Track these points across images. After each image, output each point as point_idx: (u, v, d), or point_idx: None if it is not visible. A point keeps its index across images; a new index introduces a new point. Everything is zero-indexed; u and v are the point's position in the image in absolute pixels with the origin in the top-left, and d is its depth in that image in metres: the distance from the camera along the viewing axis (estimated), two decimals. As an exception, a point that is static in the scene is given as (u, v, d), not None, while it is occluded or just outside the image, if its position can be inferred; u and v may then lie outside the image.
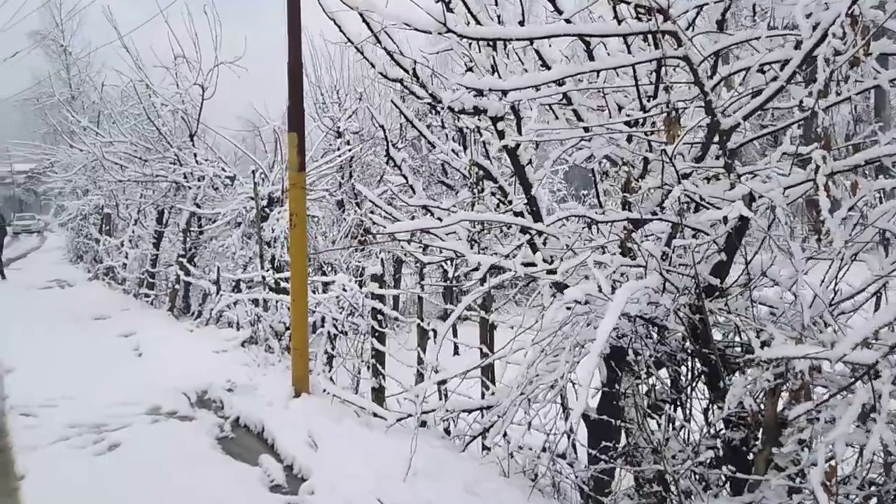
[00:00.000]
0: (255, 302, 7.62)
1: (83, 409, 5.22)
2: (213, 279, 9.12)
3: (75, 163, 16.14)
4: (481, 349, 4.56)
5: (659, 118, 3.66)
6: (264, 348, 7.38)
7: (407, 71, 4.27)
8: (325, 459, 4.05)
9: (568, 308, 3.89)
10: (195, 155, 10.89)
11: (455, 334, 7.13)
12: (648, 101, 3.65)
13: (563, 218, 3.31)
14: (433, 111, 5.06)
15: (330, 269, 11.74)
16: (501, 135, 4.56)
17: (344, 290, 6.77)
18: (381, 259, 6.02)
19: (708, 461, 3.04)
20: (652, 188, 3.03)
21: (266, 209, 10.13)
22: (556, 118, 4.15)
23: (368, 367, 6.07)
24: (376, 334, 6.02)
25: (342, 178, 13.06)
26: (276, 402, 5.22)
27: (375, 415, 4.81)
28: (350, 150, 12.26)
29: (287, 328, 7.50)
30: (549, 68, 3.63)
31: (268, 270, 8.48)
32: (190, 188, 10.48)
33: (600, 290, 2.77)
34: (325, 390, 5.18)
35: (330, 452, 4.14)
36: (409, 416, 4.54)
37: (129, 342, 7.89)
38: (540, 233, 4.43)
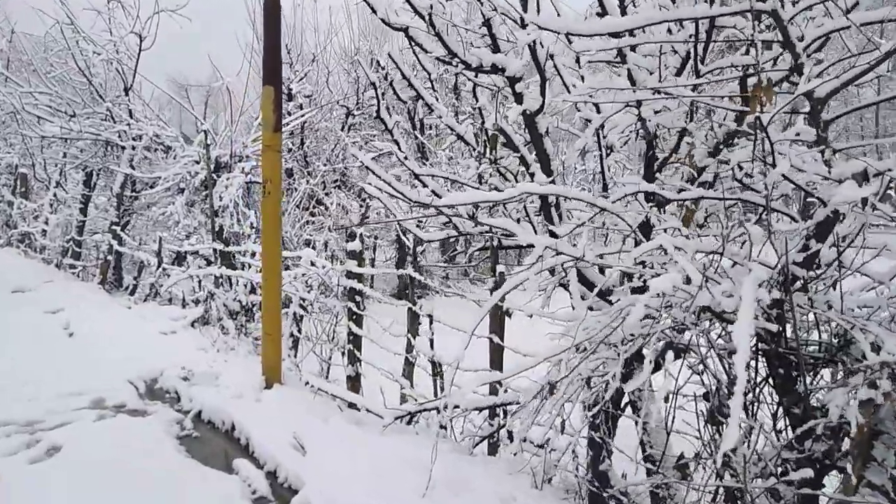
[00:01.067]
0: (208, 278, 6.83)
1: (10, 403, 4.41)
2: (155, 250, 8.20)
3: (-18, 116, 14.41)
4: (491, 339, 4.07)
5: (721, 84, 3.25)
6: (218, 329, 6.64)
7: (423, 16, 3.67)
8: (316, 466, 3.48)
9: (605, 300, 3.46)
10: (130, 111, 9.80)
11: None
12: (702, 63, 3.22)
13: (631, 195, 2.84)
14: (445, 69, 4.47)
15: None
16: (519, 98, 4.06)
17: (312, 265, 6.14)
18: (360, 234, 5.41)
19: (780, 474, 2.69)
20: (740, 162, 2.60)
21: (213, 175, 9.23)
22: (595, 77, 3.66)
23: (343, 353, 5.50)
24: (353, 317, 5.45)
25: (293, 145, 12.19)
26: (246, 394, 4.57)
27: (367, 411, 4.26)
28: (303, 115, 11.39)
29: (244, 307, 6.78)
30: (604, 15, 3.13)
31: (214, 242, 7.69)
32: (125, 148, 9.41)
33: (688, 282, 2.33)
34: (307, 383, 4.58)
35: (321, 457, 3.57)
36: (409, 414, 4.03)
37: (57, 319, 6.92)
38: (559, 212, 3.97)
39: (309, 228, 11.27)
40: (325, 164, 11.93)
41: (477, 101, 5.04)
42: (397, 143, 4.79)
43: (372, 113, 14.04)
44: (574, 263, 2.94)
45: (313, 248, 11.33)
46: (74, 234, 9.89)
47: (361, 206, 14.07)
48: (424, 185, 4.57)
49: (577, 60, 4.28)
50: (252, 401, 4.49)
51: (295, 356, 5.98)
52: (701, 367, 2.97)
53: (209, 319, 6.75)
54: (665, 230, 2.61)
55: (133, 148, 9.24)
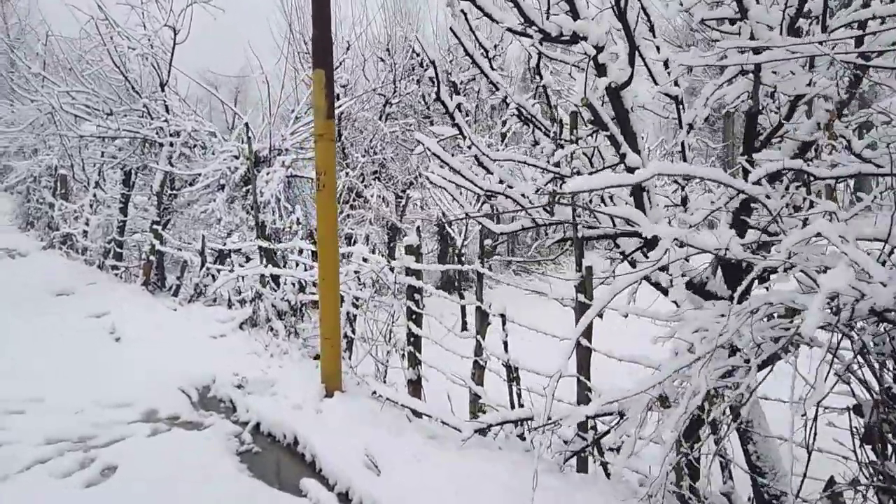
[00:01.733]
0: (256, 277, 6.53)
1: (60, 416, 4.16)
2: (198, 249, 7.97)
3: (21, 118, 14.42)
4: (579, 341, 3.66)
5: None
6: (266, 331, 6.36)
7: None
8: (393, 488, 3.13)
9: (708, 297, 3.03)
10: (166, 107, 9.57)
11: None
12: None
13: (778, 172, 2.39)
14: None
15: (308, 234, 10.60)
16: (602, 69, 3.61)
17: (364, 261, 5.80)
18: (418, 227, 5.03)
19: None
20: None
21: (251, 170, 8.96)
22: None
23: (403, 355, 5.15)
24: (413, 316, 5.08)
25: (330, 137, 11.87)
26: (306, 404, 4.24)
27: (443, 423, 3.89)
28: (340, 105, 11.04)
29: (292, 307, 6.48)
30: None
31: (257, 239, 7.41)
32: (163, 145, 9.19)
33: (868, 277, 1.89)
34: (373, 392, 4.23)
35: (398, 478, 3.22)
36: (489, 426, 3.65)
37: (102, 324, 6.73)
38: (649, 195, 3.53)
39: (350, 222, 10.96)
40: (363, 156, 11.59)
41: (541, 78, 4.61)
42: (459, 128, 4.39)
43: (408, 102, 13.67)
44: (713, 258, 2.51)
45: (354, 242, 11.03)
46: (115, 235, 9.74)
47: (400, 197, 13.73)
48: (490, 173, 4.18)
49: (652, 29, 3.83)
50: (313, 411, 4.17)
51: (349, 358, 5.65)
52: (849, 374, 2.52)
53: (257, 321, 6.47)
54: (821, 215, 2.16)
55: (171, 145, 9.01)
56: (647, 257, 2.78)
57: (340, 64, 12.45)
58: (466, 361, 4.61)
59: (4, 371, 5.00)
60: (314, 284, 6.56)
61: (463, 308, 10.16)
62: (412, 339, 5.06)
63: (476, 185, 3.81)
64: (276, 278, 6.89)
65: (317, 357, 5.98)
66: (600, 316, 3.60)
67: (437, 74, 4.31)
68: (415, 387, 5.05)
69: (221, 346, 5.83)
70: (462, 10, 4.12)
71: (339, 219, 11.11)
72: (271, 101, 9.09)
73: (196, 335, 6.13)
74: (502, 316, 4.11)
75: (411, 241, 5.08)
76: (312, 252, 6.77)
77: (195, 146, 9.12)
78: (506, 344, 4.07)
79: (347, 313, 5.71)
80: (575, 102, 4.62)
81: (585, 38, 3.51)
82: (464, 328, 10.28)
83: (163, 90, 9.63)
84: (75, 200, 13.65)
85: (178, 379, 4.96)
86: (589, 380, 3.61)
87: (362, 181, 11.54)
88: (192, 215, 9.82)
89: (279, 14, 13.78)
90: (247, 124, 7.88)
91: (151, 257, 8.71)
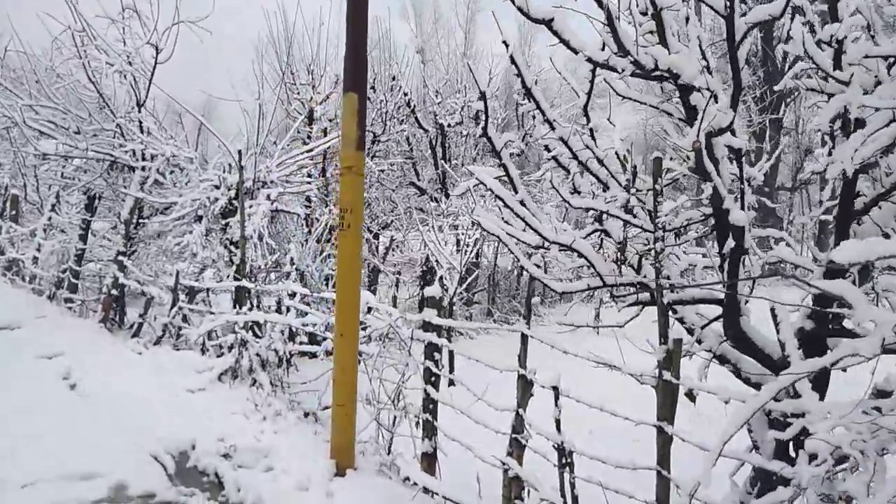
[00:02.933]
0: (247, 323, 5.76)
1: (3, 493, 3.34)
2: (168, 285, 7.16)
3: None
4: (661, 427, 3.06)
5: None
6: (250, 384, 5.59)
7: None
8: None
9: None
10: (141, 128, 8.81)
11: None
12: None
13: None
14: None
15: (299, 276, 9.86)
16: (692, 112, 3.18)
17: (369, 311, 5.17)
18: (441, 277, 4.46)
19: None
20: None
21: (233, 201, 8.26)
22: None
23: (417, 423, 4.50)
24: (431, 378, 4.46)
25: (314, 170, 11.27)
26: (313, 485, 3.53)
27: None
28: (328, 141, 10.48)
29: (280, 358, 5.75)
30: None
31: (235, 278, 6.68)
32: (134, 169, 8.40)
33: None
34: (408, 478, 3.56)
35: None
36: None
37: (55, 367, 5.82)
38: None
39: (331, 262, 10.25)
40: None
41: (588, 120, 4.17)
42: (506, 168, 3.88)
43: (396, 139, 13.22)
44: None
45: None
46: (72, 264, 8.79)
47: (376, 237, 13.13)
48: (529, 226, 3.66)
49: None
50: (323, 495, 3.46)
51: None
52: None
53: (239, 372, 5.70)
54: None
55: (144, 169, 8.25)
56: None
57: (327, 97, 11.97)
58: (493, 434, 3.99)
59: (-66, 427, 4.13)
60: (307, 335, 5.86)
61: (451, 355, 9.42)
62: (430, 406, 4.42)
63: (542, 235, 3.28)
64: (258, 323, 6.16)
65: (307, 415, 5.26)
66: (692, 399, 3.07)
67: (486, 109, 3.82)
68: (429, 461, 4.38)
69: (200, 402, 5.04)
70: (504, 42, 3.69)
71: (319, 259, 10.43)
72: (259, 131, 8.47)
73: (170, 386, 5.32)
74: (555, 389, 3.52)
75: (433, 293, 4.49)
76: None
77: (172, 172, 8.37)
78: (558, 423, 3.47)
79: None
80: (611, 147, 4.19)
81: (678, 76, 3.08)
82: (450, 384, 9.59)
83: (139, 110, 8.91)
84: (24, 224, 12.57)
85: (151, 442, 4.18)
86: (669, 472, 3.04)
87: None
88: (162, 247, 8.99)
89: (265, 41, 13.26)
90: (240, 151, 7.22)
91: (113, 291, 7.82)
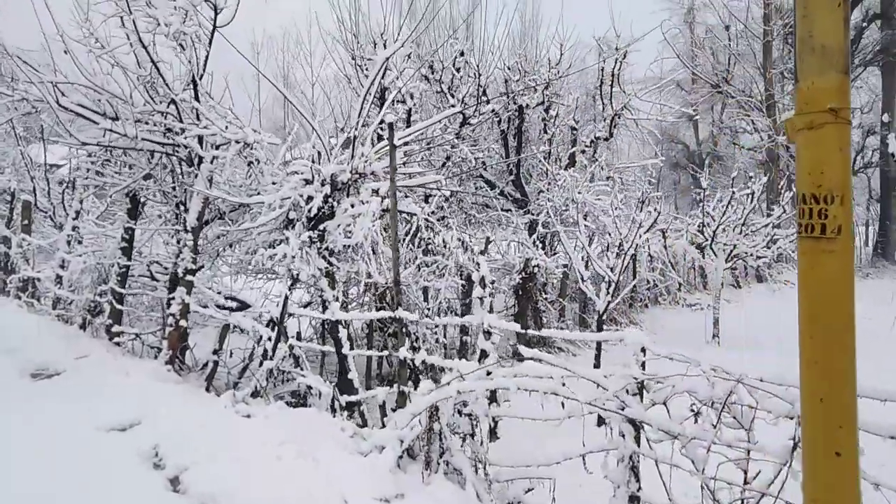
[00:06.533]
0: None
1: None
2: (267, 313, 5.24)
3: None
4: None
5: None
6: (433, 470, 3.68)
7: None
8: None
9: None
10: (196, 111, 6.87)
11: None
12: None
13: None
14: None
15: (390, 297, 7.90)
16: None
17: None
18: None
19: None
20: None
21: (328, 199, 6.37)
22: None
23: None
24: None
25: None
26: None
27: None
28: (410, 135, 8.54)
29: (473, 428, 3.86)
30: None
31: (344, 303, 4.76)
32: (202, 160, 6.47)
33: None
34: None
35: None
36: None
37: (134, 446, 3.90)
38: None
39: (425, 272, 8.33)
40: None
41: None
42: None
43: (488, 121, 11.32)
44: None
45: (435, 296, 8.40)
46: (114, 285, 6.83)
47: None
48: None
49: None
50: None
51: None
52: None
53: (413, 453, 3.79)
54: None
55: (213, 160, 6.34)
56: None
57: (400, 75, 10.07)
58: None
59: None
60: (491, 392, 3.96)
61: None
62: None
63: None
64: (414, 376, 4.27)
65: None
66: None
67: None
68: None
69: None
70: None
71: (411, 269, 8.52)
72: (364, 101, 6.58)
73: (327, 480, 3.40)
74: None
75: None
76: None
77: (250, 162, 6.46)
78: None
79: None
80: None
81: None
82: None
83: (195, 88, 6.97)
84: (34, 235, 10.60)
85: None
86: None
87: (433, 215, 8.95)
88: (228, 260, 7.05)
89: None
90: (354, 137, 5.33)
91: (182, 322, 5.87)
